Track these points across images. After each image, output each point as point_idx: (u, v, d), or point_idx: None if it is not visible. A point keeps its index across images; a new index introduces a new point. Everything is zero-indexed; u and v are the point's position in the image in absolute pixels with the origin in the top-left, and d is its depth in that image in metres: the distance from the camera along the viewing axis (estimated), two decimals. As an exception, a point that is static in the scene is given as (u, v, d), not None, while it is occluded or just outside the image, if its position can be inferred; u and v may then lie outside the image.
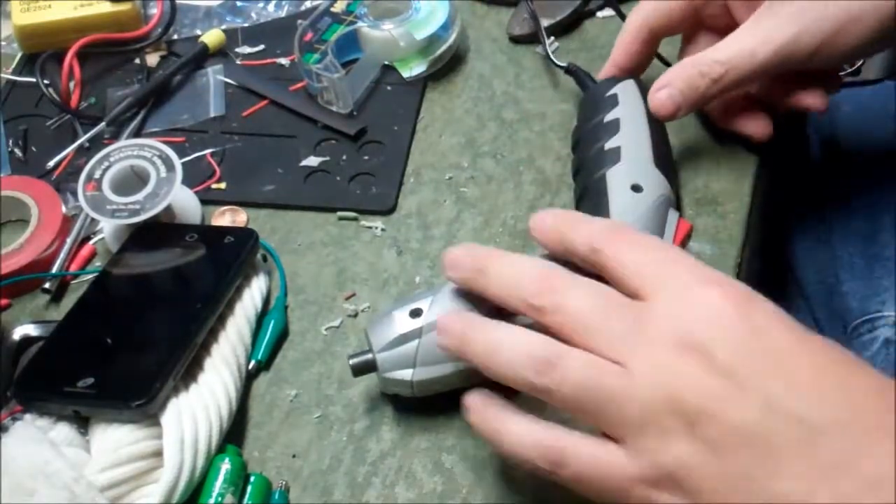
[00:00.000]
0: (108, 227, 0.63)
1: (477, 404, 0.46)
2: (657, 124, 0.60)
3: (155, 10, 0.76)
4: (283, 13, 0.77)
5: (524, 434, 0.44)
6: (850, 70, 0.84)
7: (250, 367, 0.56)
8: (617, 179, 0.57)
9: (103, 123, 0.70)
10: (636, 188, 0.57)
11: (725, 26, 0.60)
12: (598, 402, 0.42)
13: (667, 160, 0.60)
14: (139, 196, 0.60)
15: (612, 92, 0.62)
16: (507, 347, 0.45)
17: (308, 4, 0.77)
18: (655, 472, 0.41)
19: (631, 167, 0.58)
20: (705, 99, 0.58)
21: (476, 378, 0.47)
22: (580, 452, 0.43)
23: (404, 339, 0.50)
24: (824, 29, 0.55)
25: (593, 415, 0.43)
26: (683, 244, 0.58)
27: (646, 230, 0.55)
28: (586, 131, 0.61)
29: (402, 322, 0.51)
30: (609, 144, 0.59)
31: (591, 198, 0.58)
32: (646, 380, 0.41)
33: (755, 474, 0.39)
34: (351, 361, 0.52)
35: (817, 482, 0.38)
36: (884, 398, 0.39)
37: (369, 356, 0.51)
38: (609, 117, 0.60)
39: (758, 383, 0.39)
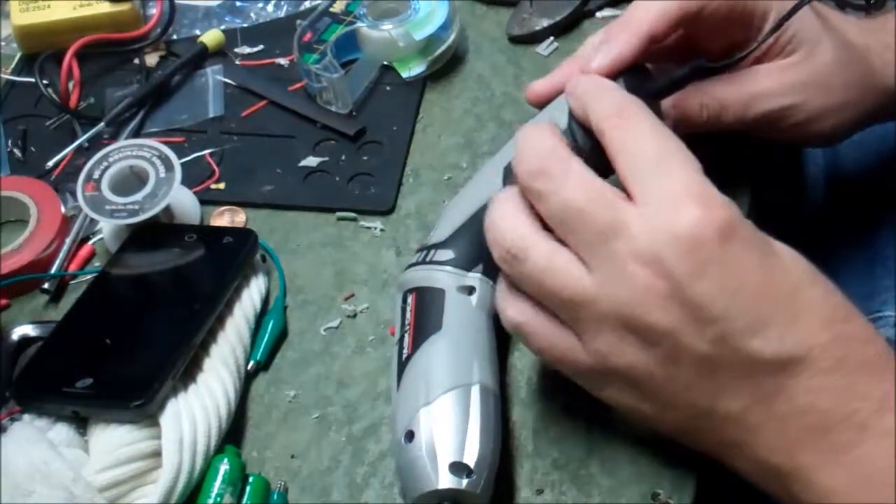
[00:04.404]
0: (107, 228, 0.63)
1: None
2: None
3: (154, 11, 0.76)
4: (282, 13, 0.77)
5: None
6: None
7: (249, 367, 0.56)
8: None
9: (102, 123, 0.70)
10: None
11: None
12: (554, 300, 0.44)
13: None
14: (138, 196, 0.60)
15: None
16: (493, 229, 0.46)
17: (307, 4, 0.77)
18: (606, 370, 0.44)
19: None
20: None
21: None
22: (547, 342, 0.46)
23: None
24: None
25: (551, 308, 0.45)
26: None
27: None
28: None
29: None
30: None
31: None
32: (608, 290, 0.42)
33: (699, 389, 0.43)
34: None
35: (754, 404, 0.42)
36: (832, 329, 0.42)
37: None
38: None
39: (716, 317, 0.41)
